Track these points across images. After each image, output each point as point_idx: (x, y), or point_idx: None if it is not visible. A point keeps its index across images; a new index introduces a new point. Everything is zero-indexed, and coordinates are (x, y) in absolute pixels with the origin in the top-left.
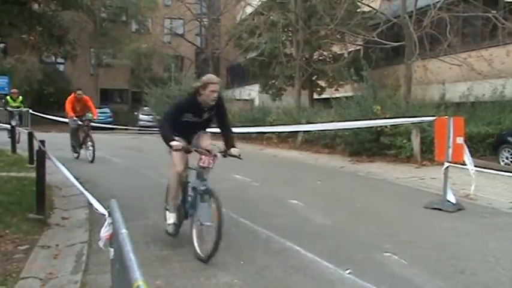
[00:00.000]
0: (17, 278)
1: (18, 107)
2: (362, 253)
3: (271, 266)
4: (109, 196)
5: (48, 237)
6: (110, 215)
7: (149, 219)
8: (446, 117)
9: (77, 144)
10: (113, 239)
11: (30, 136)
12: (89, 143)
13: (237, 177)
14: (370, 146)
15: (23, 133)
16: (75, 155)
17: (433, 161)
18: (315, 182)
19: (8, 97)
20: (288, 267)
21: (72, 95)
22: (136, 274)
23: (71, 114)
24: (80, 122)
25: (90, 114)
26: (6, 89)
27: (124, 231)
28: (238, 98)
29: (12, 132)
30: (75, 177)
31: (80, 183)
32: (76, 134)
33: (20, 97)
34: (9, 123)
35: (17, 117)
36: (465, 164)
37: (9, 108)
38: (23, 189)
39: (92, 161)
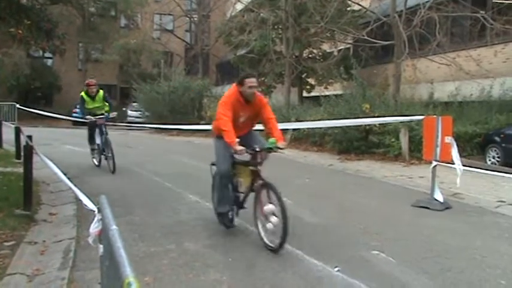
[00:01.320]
0: (3, 274)
1: (98, 111)
2: (350, 251)
3: (260, 264)
4: (96, 192)
5: (35, 233)
6: (99, 211)
7: (136, 216)
8: (435, 116)
9: (230, 200)
10: (102, 235)
11: (17, 131)
12: (269, 207)
13: None
14: (358, 145)
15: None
16: (230, 222)
17: (421, 160)
18: (304, 179)
19: (82, 93)
20: (276, 265)
21: (234, 89)
22: (127, 270)
23: (232, 138)
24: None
25: (272, 139)
26: None
27: (114, 227)
28: None
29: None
30: (62, 172)
31: (67, 178)
32: (228, 179)
33: (101, 91)
34: (92, 141)
35: (103, 129)
36: (453, 163)
37: (89, 117)
38: (10, 185)
39: (279, 247)
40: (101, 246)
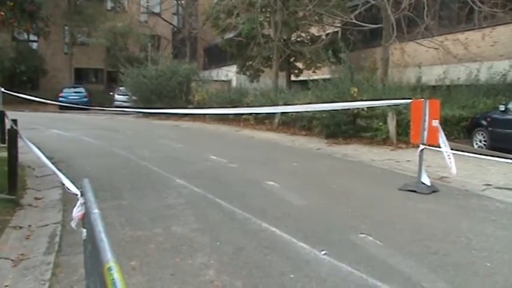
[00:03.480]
0: None
1: None
2: (338, 234)
3: (247, 247)
4: (83, 176)
5: (20, 218)
6: (82, 195)
7: (124, 200)
8: (423, 99)
9: None
10: (86, 220)
11: (2, 115)
12: None
13: (213, 158)
14: (346, 128)
15: None
16: None
17: (409, 144)
18: (292, 163)
19: None
20: (264, 248)
21: None
22: (108, 255)
23: None
24: None
25: None
26: None
27: (96, 211)
28: (215, 79)
29: None
30: (48, 157)
31: (53, 163)
32: None
33: None
34: None
35: None
36: (440, 147)
37: None
38: None
39: None
40: (84, 230)
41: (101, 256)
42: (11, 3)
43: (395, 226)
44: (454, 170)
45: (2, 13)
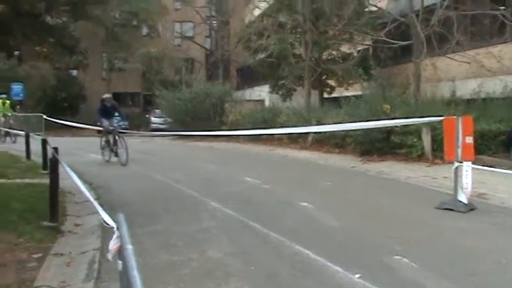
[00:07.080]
0: (30, 287)
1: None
2: (372, 256)
3: (281, 271)
4: (121, 202)
5: (61, 245)
6: (117, 228)
7: (160, 224)
8: (454, 117)
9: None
10: (121, 252)
11: (44, 143)
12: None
13: (247, 179)
14: (380, 145)
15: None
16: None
17: (445, 160)
18: (325, 182)
19: None
20: (298, 271)
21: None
22: None
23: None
24: None
25: None
26: (21, 95)
27: (129, 247)
28: (248, 98)
29: None
30: (87, 183)
31: (93, 188)
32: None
33: None
34: None
35: None
36: (475, 163)
37: None
38: (37, 196)
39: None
40: (120, 262)
41: None
42: (52, 40)
43: (432, 247)
44: (469, 190)
45: (45, 49)
